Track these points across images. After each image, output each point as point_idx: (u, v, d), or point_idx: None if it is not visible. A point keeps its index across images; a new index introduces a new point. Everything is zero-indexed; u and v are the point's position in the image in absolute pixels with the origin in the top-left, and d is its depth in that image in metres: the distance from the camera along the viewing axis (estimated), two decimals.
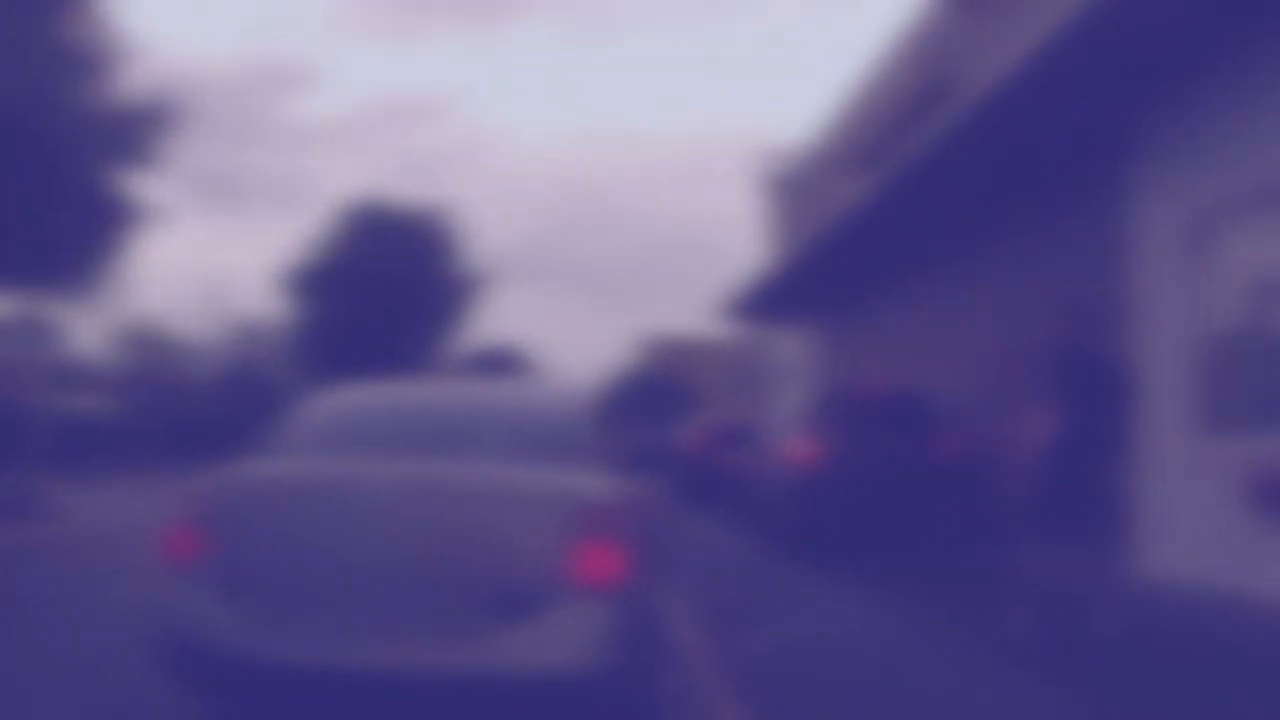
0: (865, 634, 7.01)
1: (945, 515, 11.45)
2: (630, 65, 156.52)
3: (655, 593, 4.96)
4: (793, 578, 9.85)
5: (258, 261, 65.07)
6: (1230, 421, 7.98)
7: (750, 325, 28.53)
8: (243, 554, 4.09)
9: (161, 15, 62.26)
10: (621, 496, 4.42)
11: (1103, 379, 6.97)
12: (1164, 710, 5.11)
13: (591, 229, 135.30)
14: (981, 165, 11.06)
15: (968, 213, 12.77)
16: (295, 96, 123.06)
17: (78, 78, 16.99)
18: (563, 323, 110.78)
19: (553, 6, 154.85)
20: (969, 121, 9.94)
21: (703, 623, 7.13)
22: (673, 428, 28.31)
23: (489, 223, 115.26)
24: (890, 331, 17.55)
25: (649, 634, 4.50)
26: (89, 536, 13.38)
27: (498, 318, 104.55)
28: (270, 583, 4.03)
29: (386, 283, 42.93)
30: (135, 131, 17.77)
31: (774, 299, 21.16)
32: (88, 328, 36.13)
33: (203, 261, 75.57)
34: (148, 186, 25.28)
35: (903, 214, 13.35)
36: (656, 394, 62.40)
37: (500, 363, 53.47)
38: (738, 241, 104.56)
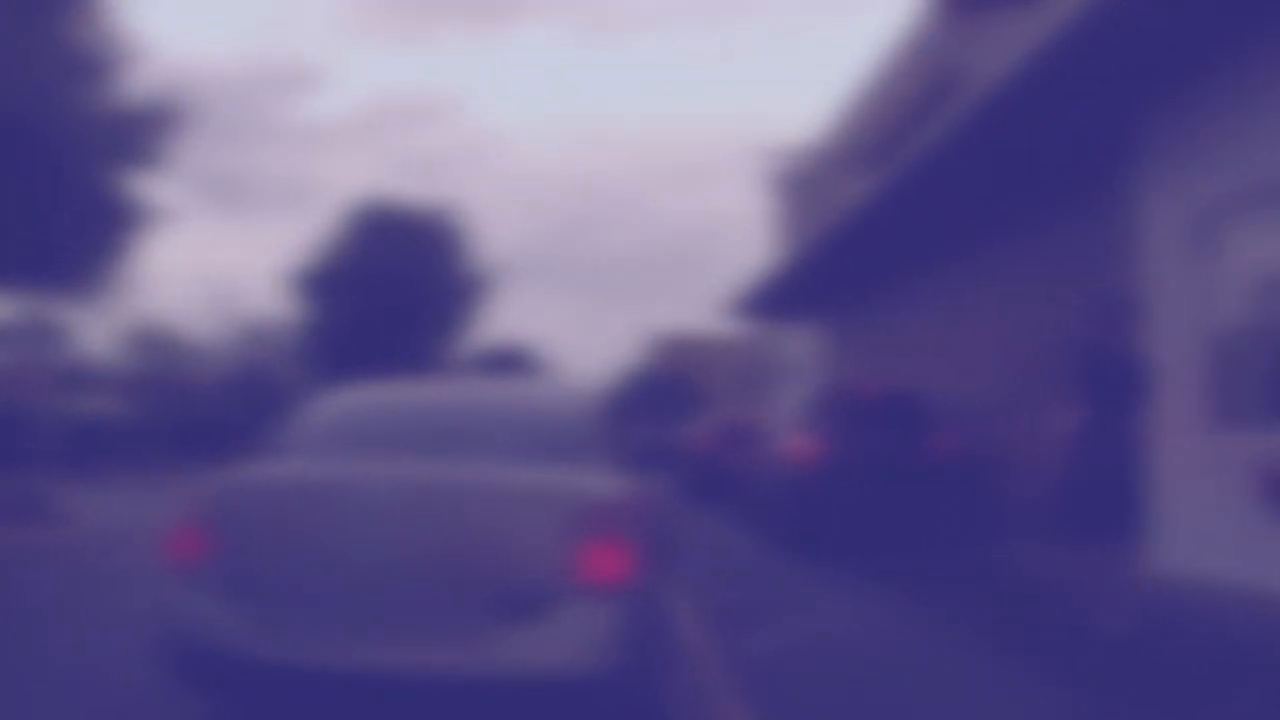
0: (868, 634, 7.01)
1: (941, 514, 11.54)
2: (634, 65, 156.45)
3: (662, 592, 4.96)
4: (796, 577, 9.85)
5: (264, 262, 65.03)
6: (1238, 418, 7.97)
7: (757, 323, 28.47)
8: (247, 555, 4.09)
9: (166, 17, 62.34)
10: (628, 495, 4.40)
11: (1125, 377, 6.96)
12: (1170, 709, 5.09)
13: (597, 228, 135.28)
14: (984, 164, 11.09)
15: (972, 211, 12.80)
16: (299, 97, 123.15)
17: (83, 80, 16.99)
18: (570, 322, 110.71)
19: (556, 7, 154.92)
20: (970, 121, 9.99)
21: (707, 622, 7.14)
22: (680, 426, 28.25)
23: (493, 223, 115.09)
24: (896, 330, 17.54)
25: (656, 634, 4.49)
26: (97, 538, 13.41)
27: (505, 317, 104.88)
28: (275, 583, 4.03)
29: (393, 283, 42.80)
30: (140, 133, 17.77)
31: (781, 297, 21.15)
32: (94, 329, 36.11)
33: (209, 262, 75.53)
34: (153, 188, 25.28)
35: (907, 212, 13.39)
36: (664, 392, 62.26)
37: (510, 362, 53.32)
38: (744, 240, 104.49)
